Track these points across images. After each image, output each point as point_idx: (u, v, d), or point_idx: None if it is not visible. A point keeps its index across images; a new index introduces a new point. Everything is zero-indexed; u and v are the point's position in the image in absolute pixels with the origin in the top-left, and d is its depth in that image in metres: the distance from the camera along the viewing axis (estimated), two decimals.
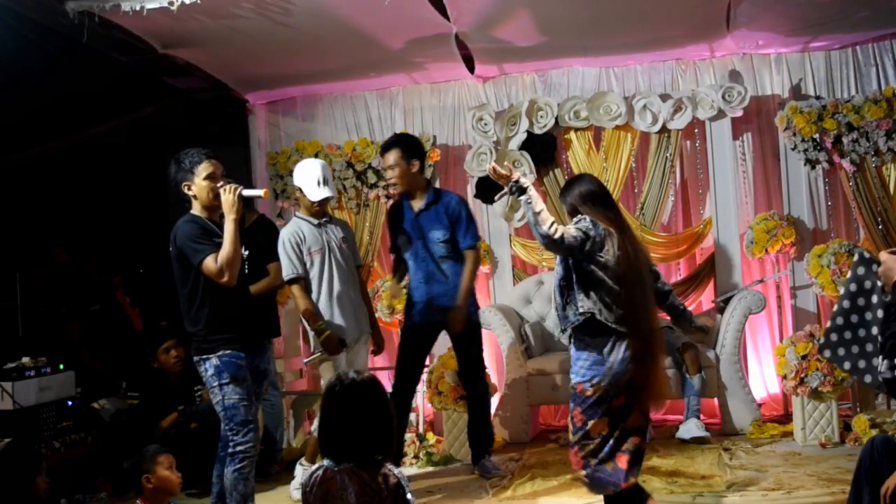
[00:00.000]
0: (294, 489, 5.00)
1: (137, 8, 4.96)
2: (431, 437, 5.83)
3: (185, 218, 3.91)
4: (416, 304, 5.16)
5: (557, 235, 3.53)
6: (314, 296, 4.86)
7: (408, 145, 5.15)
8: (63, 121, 6.88)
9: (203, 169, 3.88)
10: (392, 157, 5.09)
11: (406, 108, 6.92)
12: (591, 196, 3.75)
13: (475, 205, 6.71)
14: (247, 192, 3.90)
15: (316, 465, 2.72)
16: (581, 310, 3.64)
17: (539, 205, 3.58)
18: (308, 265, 4.86)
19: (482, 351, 5.30)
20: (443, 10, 5.47)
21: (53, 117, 6.72)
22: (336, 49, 5.98)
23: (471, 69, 6.58)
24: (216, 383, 3.85)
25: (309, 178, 4.88)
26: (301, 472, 5.04)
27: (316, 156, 6.64)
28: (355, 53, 6.12)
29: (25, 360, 5.13)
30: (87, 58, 5.76)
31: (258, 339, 4.09)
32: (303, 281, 4.82)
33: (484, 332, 6.31)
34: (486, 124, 6.54)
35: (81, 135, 7.16)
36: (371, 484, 2.62)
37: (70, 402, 5.26)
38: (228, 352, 3.85)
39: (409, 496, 2.66)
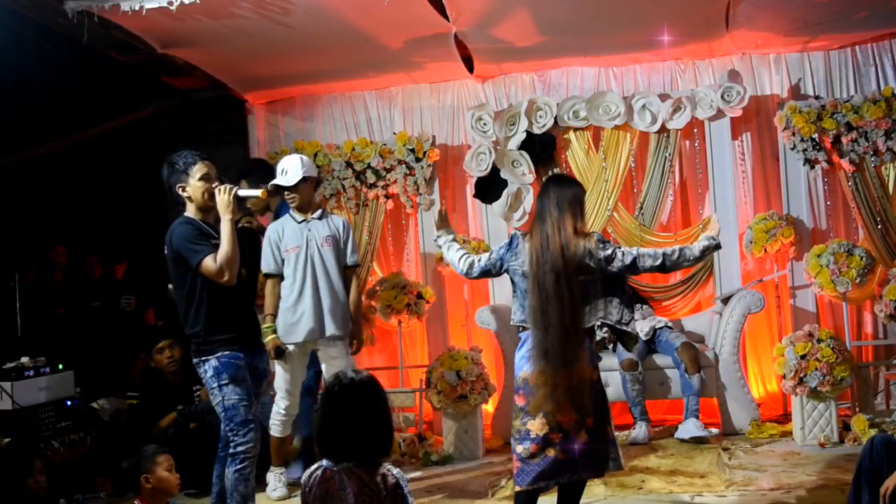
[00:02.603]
0: (271, 491, 5.06)
1: (137, 8, 4.97)
2: (431, 437, 5.83)
3: (180, 220, 3.91)
4: None
5: (466, 268, 3.96)
6: (286, 292, 4.95)
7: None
8: (63, 121, 6.87)
9: (197, 170, 3.89)
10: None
11: (405, 108, 6.92)
12: (538, 212, 3.82)
13: (474, 204, 6.73)
14: (242, 192, 3.91)
15: (315, 465, 2.73)
16: (513, 320, 3.86)
17: (449, 253, 4.02)
18: (285, 262, 4.97)
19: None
20: (442, 10, 5.47)
21: (53, 117, 6.72)
22: (335, 49, 5.97)
23: (470, 69, 6.58)
24: (216, 384, 3.86)
25: (277, 169, 5.04)
26: (273, 478, 5.08)
27: (315, 156, 6.65)
28: (354, 53, 6.12)
29: (25, 360, 5.14)
30: (86, 58, 5.76)
31: (256, 340, 4.10)
32: (277, 277, 4.96)
33: (484, 332, 6.34)
34: (485, 124, 6.54)
35: (81, 135, 7.15)
36: (370, 483, 2.62)
37: (69, 402, 5.26)
38: (227, 353, 3.86)
39: (407, 496, 2.67)
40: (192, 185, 3.89)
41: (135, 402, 5.83)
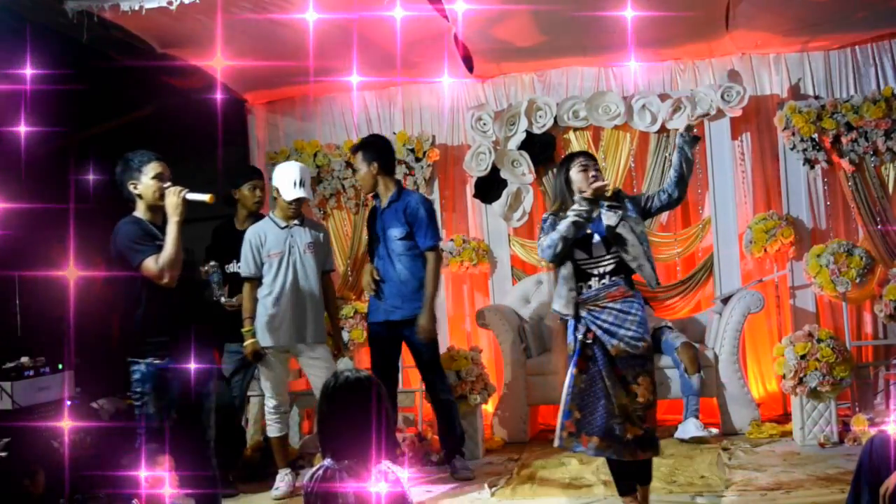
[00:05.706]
0: (273, 490, 5.10)
1: (137, 7, 4.97)
2: (431, 437, 5.83)
3: (126, 219, 3.90)
4: (371, 301, 5.30)
5: None
6: (264, 295, 5.00)
7: (369, 148, 5.21)
8: (62, 120, 6.86)
9: (151, 168, 3.89)
10: (356, 159, 5.26)
11: (405, 108, 6.92)
12: None
13: (474, 204, 6.74)
14: (191, 196, 3.85)
15: (317, 466, 2.74)
16: None
17: None
18: (266, 266, 5.02)
19: (437, 356, 5.31)
20: (442, 10, 5.47)
21: (52, 117, 6.70)
22: (336, 49, 5.97)
23: (470, 69, 6.58)
24: (139, 389, 3.85)
25: (286, 178, 5.01)
26: (280, 477, 5.13)
27: (315, 156, 6.65)
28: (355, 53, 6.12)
29: (25, 359, 5.13)
30: (86, 58, 5.76)
31: (201, 347, 3.92)
32: (255, 281, 5.03)
33: (484, 332, 6.34)
34: (485, 124, 6.55)
35: (81, 135, 7.14)
36: (369, 482, 2.62)
37: (69, 402, 5.26)
38: (157, 361, 3.81)
39: (407, 495, 2.67)
40: (144, 184, 3.88)
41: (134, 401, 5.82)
